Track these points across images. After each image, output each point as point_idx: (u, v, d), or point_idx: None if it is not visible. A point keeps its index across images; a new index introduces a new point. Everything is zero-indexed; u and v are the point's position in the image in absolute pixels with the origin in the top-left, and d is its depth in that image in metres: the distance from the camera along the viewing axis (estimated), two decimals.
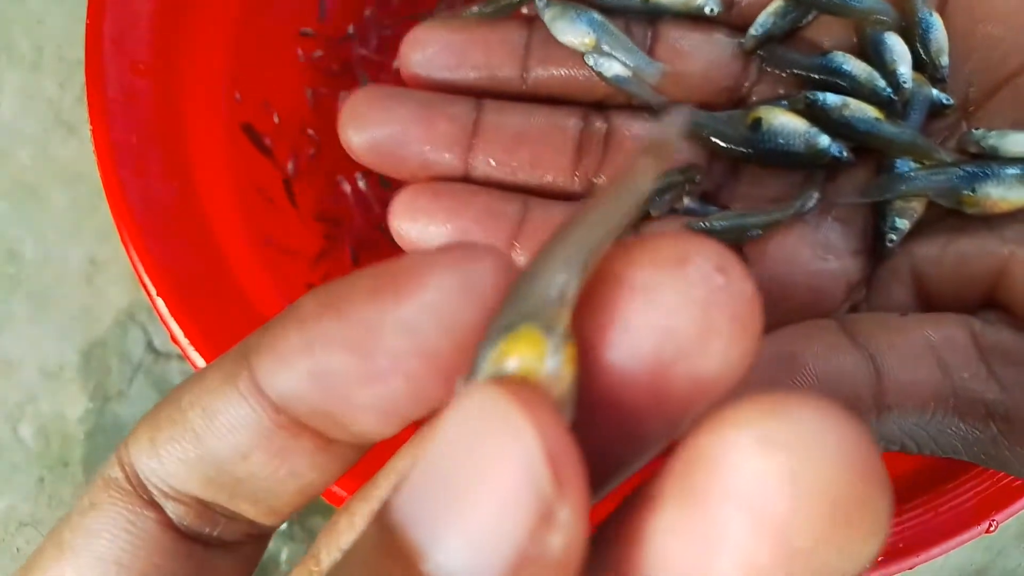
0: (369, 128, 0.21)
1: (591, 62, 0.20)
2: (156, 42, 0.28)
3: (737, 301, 0.09)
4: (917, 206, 0.19)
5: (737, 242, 0.19)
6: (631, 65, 0.20)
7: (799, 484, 0.07)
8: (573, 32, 0.20)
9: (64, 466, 0.34)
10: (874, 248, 0.20)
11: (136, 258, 0.26)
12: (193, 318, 0.26)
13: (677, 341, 0.09)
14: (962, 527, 0.24)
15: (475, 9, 0.21)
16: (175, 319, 0.26)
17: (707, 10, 0.20)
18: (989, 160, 0.19)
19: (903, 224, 0.19)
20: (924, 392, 0.17)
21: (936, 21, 0.20)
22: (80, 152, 0.35)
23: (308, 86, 0.33)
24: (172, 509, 0.10)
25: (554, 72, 0.21)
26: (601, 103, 0.21)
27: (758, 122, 0.20)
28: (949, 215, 0.19)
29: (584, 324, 0.09)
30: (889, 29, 0.20)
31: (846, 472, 0.07)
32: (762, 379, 0.17)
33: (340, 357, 0.09)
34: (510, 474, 0.08)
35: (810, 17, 0.20)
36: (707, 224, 0.19)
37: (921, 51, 0.20)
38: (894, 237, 0.19)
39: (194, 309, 0.26)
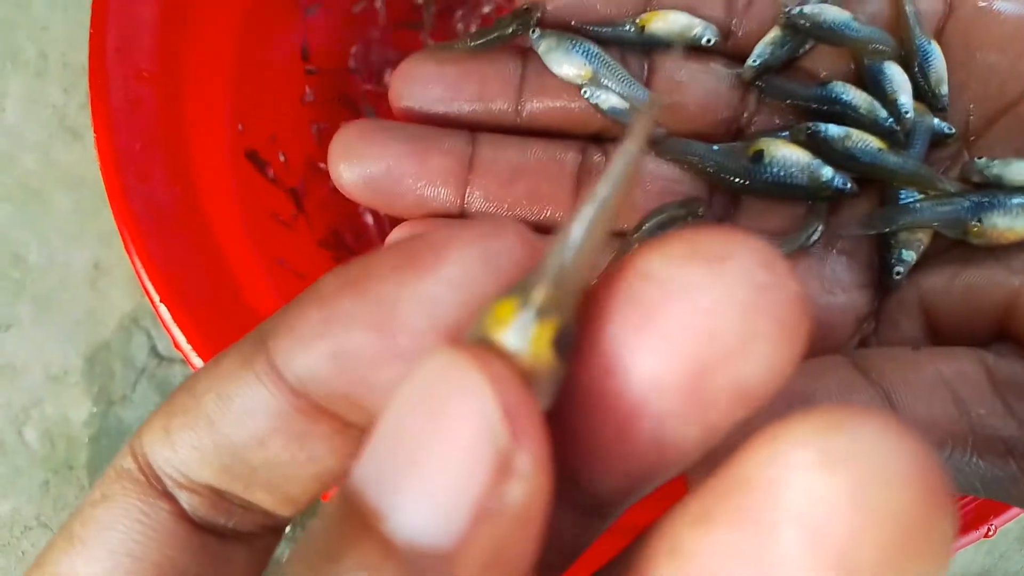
0: (361, 163, 0.20)
1: (587, 94, 0.20)
2: (160, 50, 0.28)
3: (782, 302, 0.08)
4: (923, 237, 0.19)
5: None
6: (628, 97, 0.20)
7: (863, 505, 0.07)
8: (569, 64, 0.19)
9: (69, 469, 0.35)
10: (881, 281, 0.19)
11: (139, 264, 0.27)
12: (195, 324, 0.26)
13: (718, 345, 0.08)
14: (961, 531, 0.24)
15: (467, 42, 0.20)
16: (178, 325, 0.26)
17: (704, 40, 0.20)
18: (994, 189, 0.19)
19: (909, 256, 0.19)
20: (941, 430, 0.16)
21: (935, 49, 0.19)
22: (84, 157, 0.36)
23: (313, 121, 0.33)
24: (186, 500, 0.10)
25: (549, 104, 0.20)
26: (598, 135, 0.21)
27: (760, 154, 0.19)
28: (955, 246, 0.19)
29: (619, 325, 0.09)
30: (888, 58, 0.20)
31: (913, 494, 0.07)
32: (776, 419, 0.16)
33: (360, 336, 0.09)
34: (465, 428, 0.08)
35: (807, 46, 0.20)
36: None
37: (920, 80, 0.20)
38: (901, 269, 0.19)
39: (196, 315, 0.26)
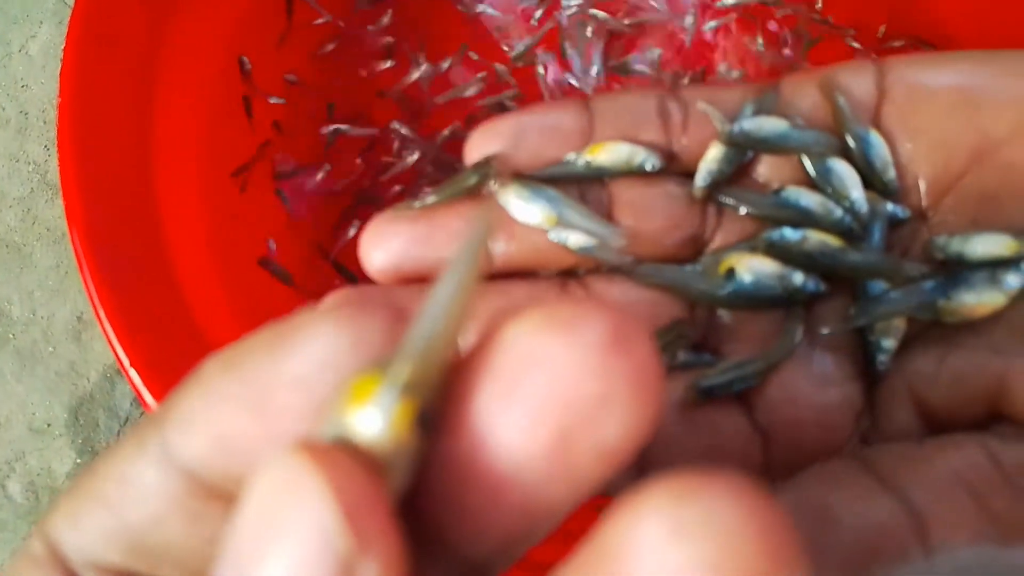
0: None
1: (555, 238, 0.19)
2: (132, 113, 0.28)
3: (634, 364, 0.08)
4: (899, 323, 0.19)
5: (737, 391, 0.19)
6: (593, 234, 0.19)
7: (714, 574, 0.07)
8: (532, 212, 0.19)
9: None
10: (868, 371, 0.19)
11: (110, 331, 0.27)
12: (165, 385, 0.26)
13: (576, 411, 0.08)
14: None
15: (429, 198, 0.20)
16: (148, 390, 0.26)
17: (648, 167, 0.20)
18: (956, 266, 0.18)
19: (889, 344, 0.19)
20: (965, 524, 0.16)
21: (873, 137, 0.19)
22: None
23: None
24: None
25: (521, 247, 0.20)
26: (573, 269, 0.21)
27: (731, 271, 0.19)
28: (936, 324, 0.19)
29: (483, 398, 0.09)
30: (832, 155, 0.19)
31: (765, 561, 0.07)
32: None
33: (239, 418, 0.09)
34: (305, 538, 0.08)
35: (751, 155, 0.20)
36: (708, 383, 0.19)
37: (866, 169, 0.19)
38: (883, 358, 0.19)
39: (166, 377, 0.26)
